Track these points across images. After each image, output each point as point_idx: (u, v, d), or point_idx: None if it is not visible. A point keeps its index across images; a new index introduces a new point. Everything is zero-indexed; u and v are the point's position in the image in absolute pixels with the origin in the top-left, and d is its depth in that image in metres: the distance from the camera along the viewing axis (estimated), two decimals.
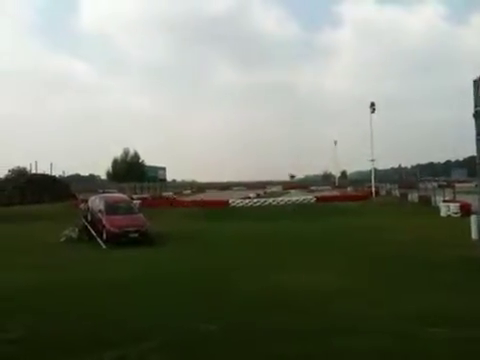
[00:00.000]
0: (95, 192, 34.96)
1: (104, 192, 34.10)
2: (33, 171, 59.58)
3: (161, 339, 6.34)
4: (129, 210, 20.04)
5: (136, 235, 18.07)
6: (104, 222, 18.65)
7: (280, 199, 44.94)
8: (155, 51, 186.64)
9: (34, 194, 45.34)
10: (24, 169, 59.55)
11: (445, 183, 51.66)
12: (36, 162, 61.34)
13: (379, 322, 7.05)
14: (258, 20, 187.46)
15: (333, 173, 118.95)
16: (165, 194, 64.14)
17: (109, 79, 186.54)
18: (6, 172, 60.64)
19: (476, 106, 12.81)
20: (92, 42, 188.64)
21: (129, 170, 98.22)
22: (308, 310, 7.94)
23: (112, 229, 18.14)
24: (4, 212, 33.19)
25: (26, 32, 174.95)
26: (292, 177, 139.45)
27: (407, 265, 12.04)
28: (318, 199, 43.49)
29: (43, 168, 62.47)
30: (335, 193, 60.96)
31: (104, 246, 17.51)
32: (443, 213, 26.42)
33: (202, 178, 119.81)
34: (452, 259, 12.34)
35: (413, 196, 38.43)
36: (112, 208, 19.56)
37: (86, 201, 23.54)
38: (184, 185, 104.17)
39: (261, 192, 66.28)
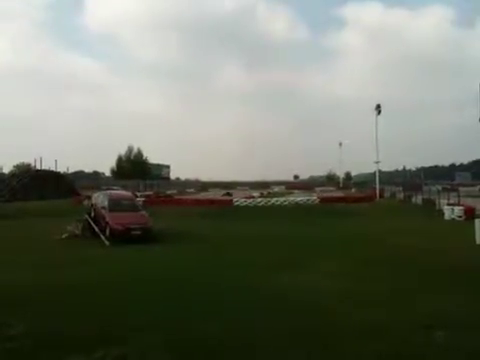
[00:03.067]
0: (99, 189, 34.99)
1: (108, 189, 34.08)
2: (38, 167, 59.70)
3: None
4: (132, 207, 19.99)
5: (139, 232, 18.04)
6: (107, 219, 18.62)
7: (283, 199, 44.89)
8: (162, 52, 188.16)
9: (38, 190, 45.38)
10: (29, 165, 59.65)
11: (449, 186, 51.49)
12: (41, 158, 61.52)
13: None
14: (265, 23, 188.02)
15: (337, 174, 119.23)
16: (169, 192, 64.42)
17: (116, 78, 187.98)
18: (11, 168, 60.84)
19: None
20: (100, 42, 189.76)
21: (133, 168, 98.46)
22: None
23: (115, 226, 18.10)
24: (8, 208, 33.29)
25: (34, 31, 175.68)
26: (296, 177, 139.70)
27: (413, 270, 11.81)
28: (321, 200, 43.36)
29: (48, 164, 62.63)
30: (339, 194, 60.80)
31: (107, 243, 17.48)
32: (447, 216, 26.31)
33: (206, 177, 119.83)
34: (456, 265, 12.20)
35: (417, 199, 38.34)
36: (115, 205, 19.51)
37: (89, 197, 23.57)
38: (188, 184, 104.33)
39: (265, 192, 66.46)
